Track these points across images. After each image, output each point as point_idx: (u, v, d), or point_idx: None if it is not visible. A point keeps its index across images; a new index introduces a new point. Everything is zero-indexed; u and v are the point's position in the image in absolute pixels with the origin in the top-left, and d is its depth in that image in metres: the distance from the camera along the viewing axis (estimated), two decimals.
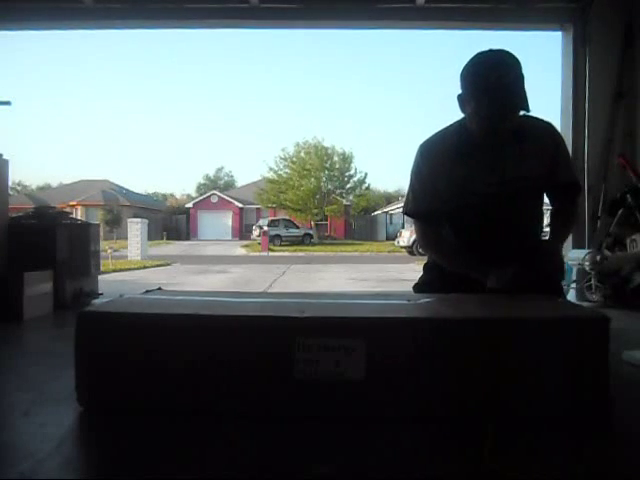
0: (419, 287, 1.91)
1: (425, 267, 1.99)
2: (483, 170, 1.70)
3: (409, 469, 1.05)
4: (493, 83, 1.53)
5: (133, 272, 9.97)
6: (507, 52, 1.60)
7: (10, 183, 3.82)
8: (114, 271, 9.32)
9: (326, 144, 29.83)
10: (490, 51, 1.61)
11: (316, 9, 4.34)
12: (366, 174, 30.40)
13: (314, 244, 26.24)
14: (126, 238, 16.00)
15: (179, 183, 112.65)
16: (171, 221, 36.83)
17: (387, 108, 75.04)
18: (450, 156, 1.72)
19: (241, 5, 4.26)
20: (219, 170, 56.64)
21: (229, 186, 48.57)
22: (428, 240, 1.84)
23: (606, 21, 4.09)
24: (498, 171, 1.69)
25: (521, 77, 1.58)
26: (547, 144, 1.72)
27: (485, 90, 1.56)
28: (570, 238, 4.16)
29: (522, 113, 1.68)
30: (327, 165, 29.24)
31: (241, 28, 5.41)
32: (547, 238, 1.80)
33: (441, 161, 1.74)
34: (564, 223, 1.85)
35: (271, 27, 5.38)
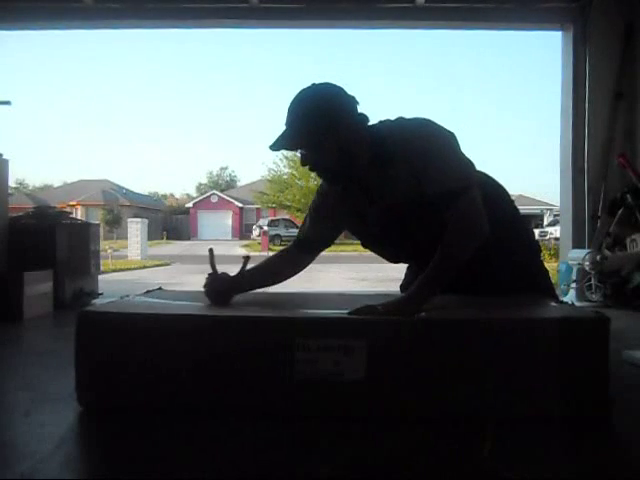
0: (405, 287, 1.89)
1: (408, 267, 1.97)
2: (361, 204, 1.65)
3: (409, 469, 1.05)
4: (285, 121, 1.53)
5: (133, 272, 9.92)
6: (306, 90, 1.54)
7: (10, 183, 3.82)
8: (114, 271, 9.28)
9: None
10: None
11: (316, 9, 4.34)
12: None
13: None
14: (126, 238, 15.95)
15: (179, 183, 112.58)
16: (171, 221, 36.81)
17: (387, 107, 75.08)
18: (336, 192, 1.69)
19: (241, 5, 4.26)
20: (223, 170, 56.42)
21: (230, 186, 48.40)
22: None
23: (606, 21, 4.09)
24: (375, 201, 1.62)
25: (304, 116, 1.48)
26: (413, 157, 1.52)
27: None
28: (570, 238, 4.16)
29: (396, 123, 1.59)
30: None
31: (241, 28, 5.41)
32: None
33: (328, 199, 1.72)
34: (446, 253, 1.43)
35: (271, 27, 5.37)
